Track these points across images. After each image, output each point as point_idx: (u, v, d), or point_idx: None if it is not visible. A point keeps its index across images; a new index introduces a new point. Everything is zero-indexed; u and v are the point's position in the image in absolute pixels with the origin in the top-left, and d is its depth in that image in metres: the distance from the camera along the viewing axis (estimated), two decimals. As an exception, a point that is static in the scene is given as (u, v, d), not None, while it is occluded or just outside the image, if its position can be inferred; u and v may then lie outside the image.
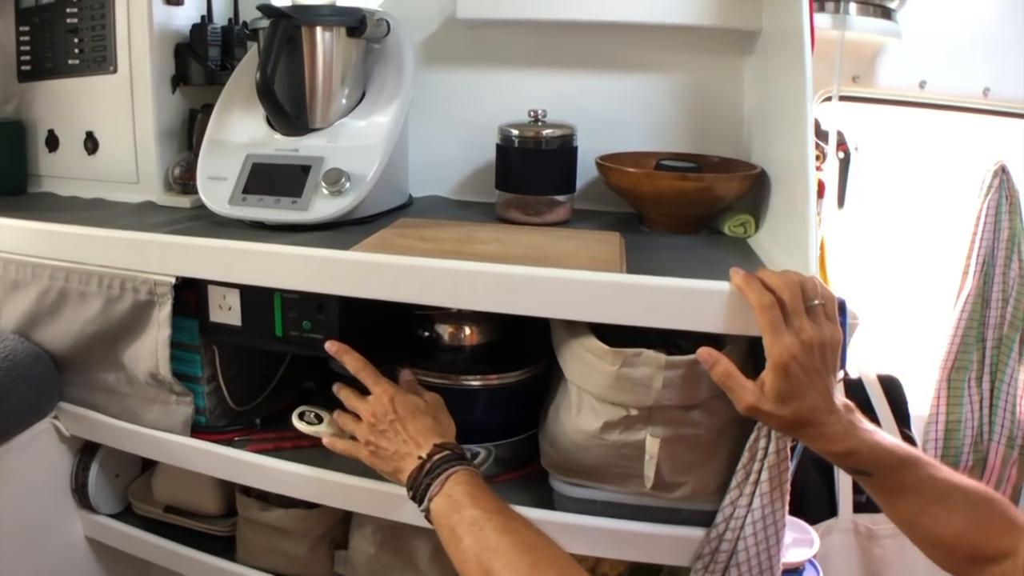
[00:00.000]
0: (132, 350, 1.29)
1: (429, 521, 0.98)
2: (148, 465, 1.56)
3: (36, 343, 1.36)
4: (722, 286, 0.98)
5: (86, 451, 1.48)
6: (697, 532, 1.09)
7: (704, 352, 0.96)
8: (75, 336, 1.32)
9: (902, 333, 1.89)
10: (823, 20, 1.47)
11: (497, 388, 1.22)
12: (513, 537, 0.89)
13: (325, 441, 1.14)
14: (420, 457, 1.01)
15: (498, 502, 0.95)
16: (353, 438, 1.12)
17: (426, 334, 1.28)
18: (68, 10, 1.50)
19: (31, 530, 1.40)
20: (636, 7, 1.36)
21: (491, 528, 0.90)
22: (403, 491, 1.04)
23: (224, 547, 1.43)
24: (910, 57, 1.62)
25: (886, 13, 1.54)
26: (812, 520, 1.37)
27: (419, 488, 0.99)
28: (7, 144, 1.58)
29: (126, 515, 1.53)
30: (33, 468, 1.39)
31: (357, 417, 1.11)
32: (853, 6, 1.49)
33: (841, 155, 1.66)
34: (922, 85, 1.63)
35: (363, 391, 1.13)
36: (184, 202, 1.43)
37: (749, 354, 1.04)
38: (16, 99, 1.60)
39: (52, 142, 1.57)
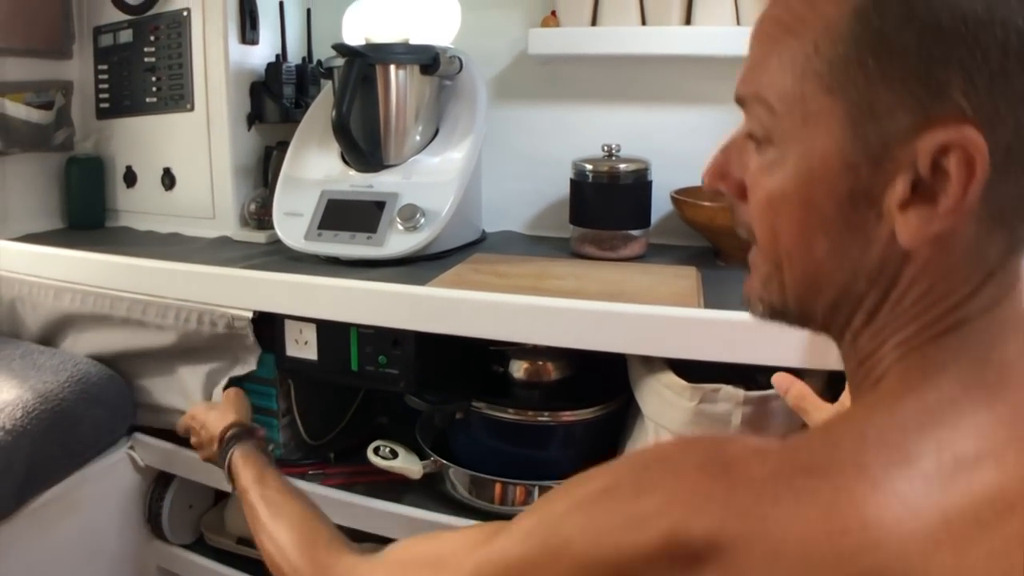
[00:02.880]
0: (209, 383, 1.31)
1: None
2: (221, 496, 1.58)
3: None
4: (801, 320, 0.96)
5: (160, 481, 1.49)
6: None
7: (778, 377, 0.94)
8: (152, 368, 1.34)
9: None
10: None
11: (571, 424, 1.21)
12: (262, 499, 1.02)
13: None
14: (219, 441, 1.14)
15: (259, 470, 1.06)
16: None
17: (500, 370, 1.27)
18: (146, 49, 1.55)
19: (104, 558, 1.42)
20: (706, 40, 1.36)
21: (254, 494, 1.03)
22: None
23: (295, 580, 1.42)
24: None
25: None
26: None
27: (224, 465, 1.12)
28: (86, 179, 1.63)
29: (198, 546, 1.54)
30: (108, 497, 1.41)
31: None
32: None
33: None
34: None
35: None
36: (260, 237, 1.45)
37: (827, 388, 1.02)
38: (95, 136, 1.65)
39: (130, 178, 1.62)
